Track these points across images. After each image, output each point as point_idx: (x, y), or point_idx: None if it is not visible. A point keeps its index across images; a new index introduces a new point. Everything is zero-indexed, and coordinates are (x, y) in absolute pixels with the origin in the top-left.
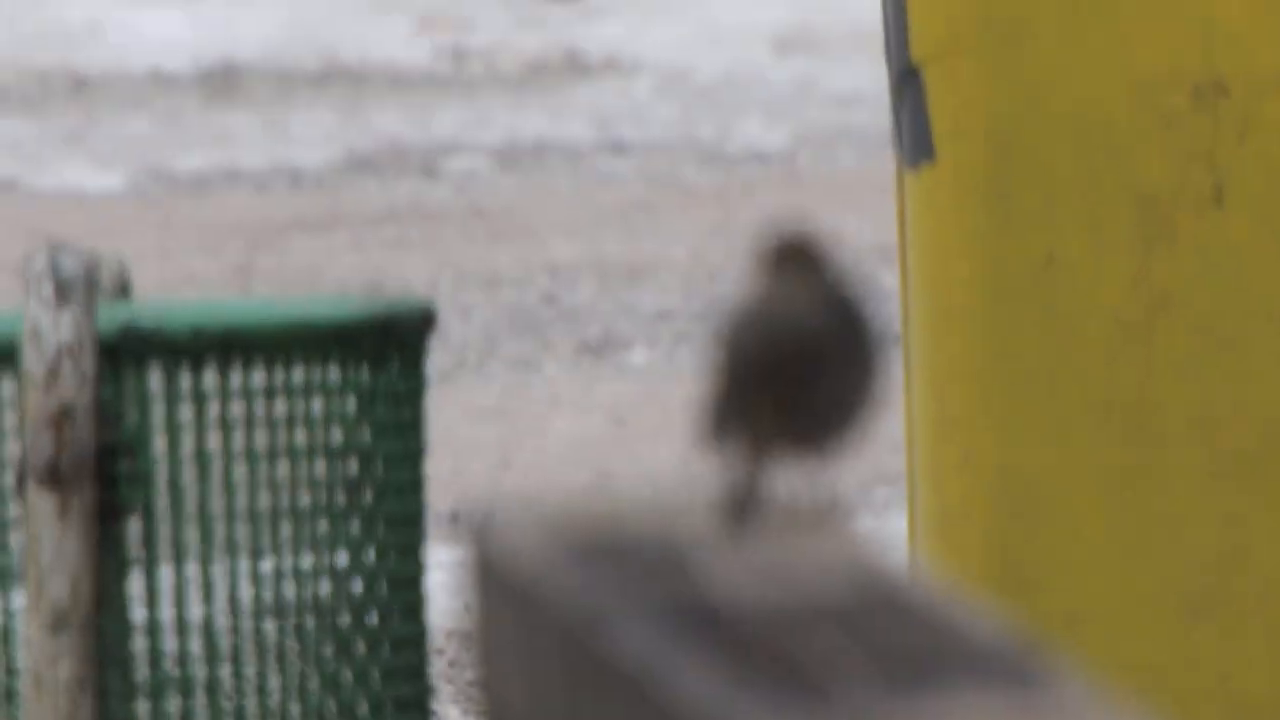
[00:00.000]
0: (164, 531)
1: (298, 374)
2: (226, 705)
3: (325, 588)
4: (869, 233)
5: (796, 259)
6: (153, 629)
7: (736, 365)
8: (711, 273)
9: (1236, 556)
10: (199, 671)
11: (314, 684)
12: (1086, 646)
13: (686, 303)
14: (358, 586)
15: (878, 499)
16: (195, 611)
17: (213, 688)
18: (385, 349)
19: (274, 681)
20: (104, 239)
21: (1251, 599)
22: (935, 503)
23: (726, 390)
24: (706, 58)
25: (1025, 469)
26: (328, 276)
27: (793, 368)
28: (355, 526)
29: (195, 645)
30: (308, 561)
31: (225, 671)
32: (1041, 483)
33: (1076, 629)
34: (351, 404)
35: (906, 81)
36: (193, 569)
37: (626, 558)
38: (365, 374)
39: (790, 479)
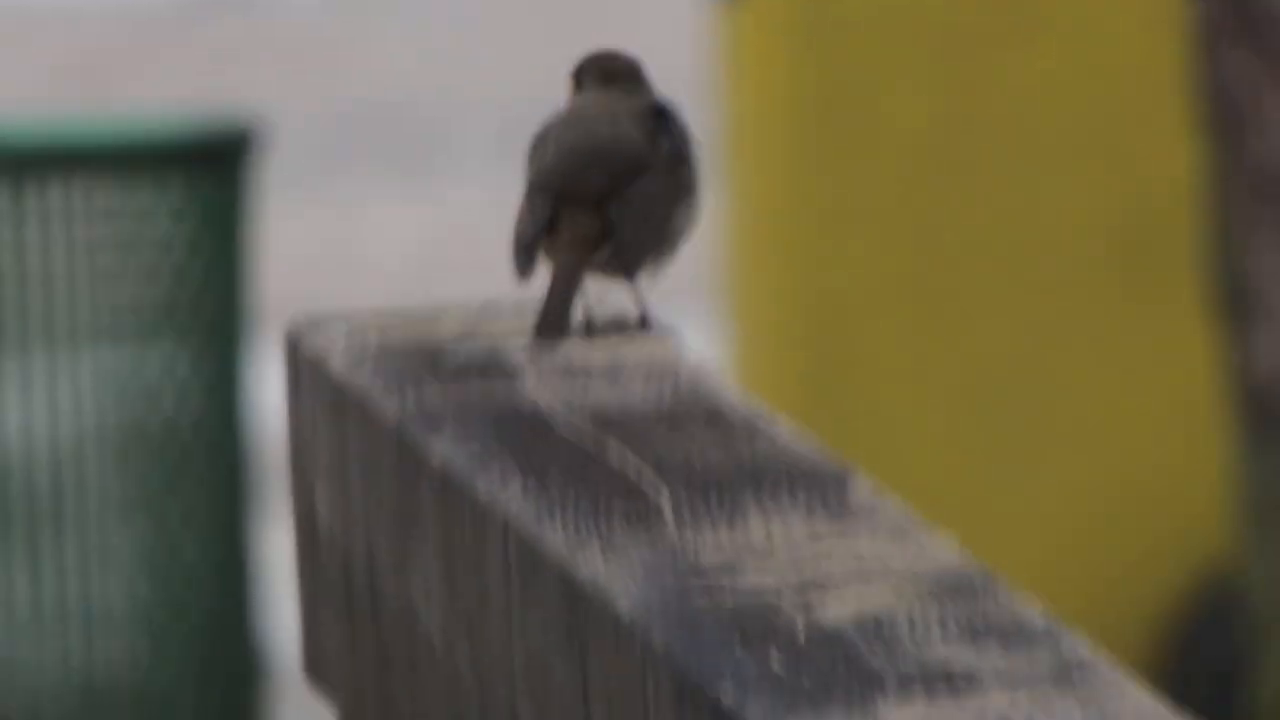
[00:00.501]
0: (7, 342)
1: (129, 189)
2: (45, 507)
3: (144, 399)
4: (678, 65)
5: (609, 77)
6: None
7: (545, 175)
8: (520, 92)
9: (1028, 375)
10: (42, 482)
11: (151, 494)
12: (884, 456)
13: (509, 132)
14: (177, 396)
15: (689, 314)
16: (41, 423)
17: (57, 500)
18: (211, 164)
19: (93, 487)
20: None
21: (1042, 412)
22: (746, 313)
23: (538, 202)
24: None
25: (833, 274)
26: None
27: (598, 174)
28: (174, 340)
29: (39, 460)
30: (132, 376)
31: (68, 484)
32: (849, 289)
33: (875, 438)
34: (169, 222)
35: None
36: (36, 378)
37: (441, 361)
38: (182, 192)
39: (603, 291)
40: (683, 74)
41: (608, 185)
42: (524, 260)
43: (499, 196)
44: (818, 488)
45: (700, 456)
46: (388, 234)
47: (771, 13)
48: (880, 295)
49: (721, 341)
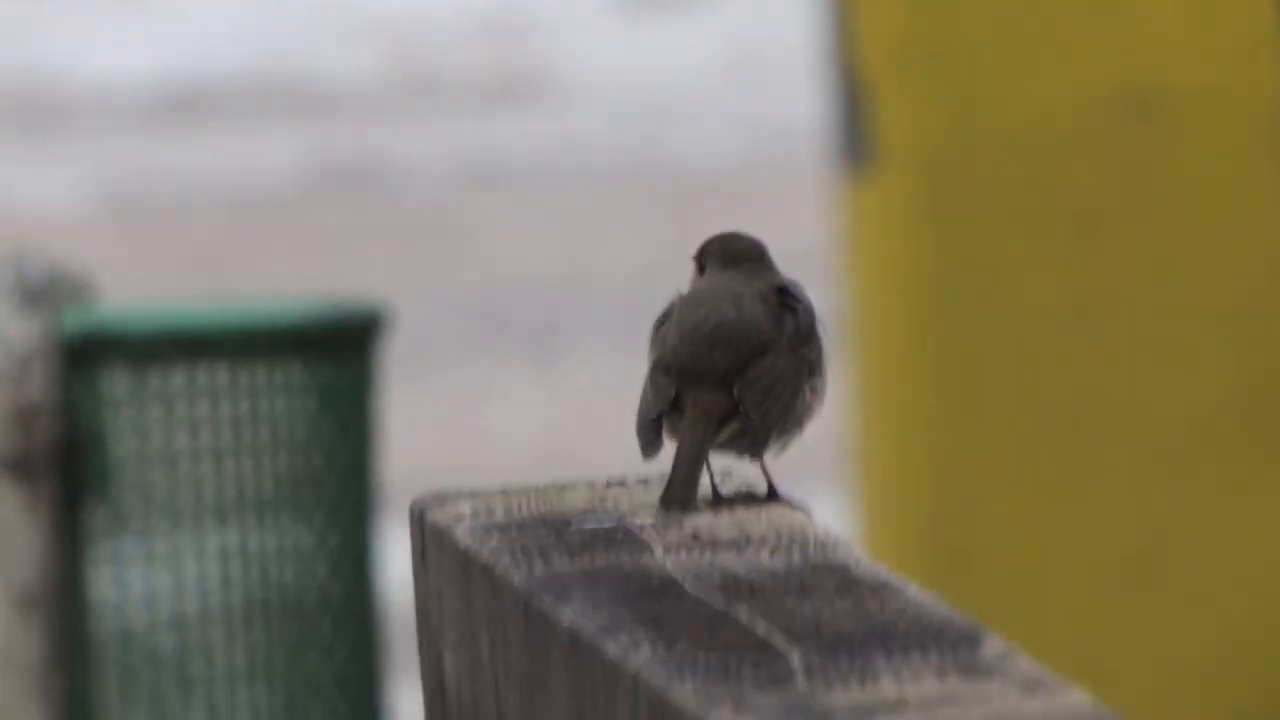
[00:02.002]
0: (132, 522)
1: (255, 373)
2: (195, 682)
3: (284, 570)
4: (802, 247)
5: (732, 258)
6: (122, 610)
7: (670, 354)
8: (647, 281)
9: (1162, 547)
10: (167, 650)
11: (276, 662)
12: (1019, 634)
13: (635, 313)
14: (315, 569)
15: (817, 491)
16: (165, 596)
17: (183, 667)
18: (337, 349)
19: (239, 658)
20: (75, 257)
21: (1178, 586)
22: (876, 497)
23: (663, 381)
24: (655, 80)
25: (964, 459)
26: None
27: (723, 354)
28: (312, 515)
29: (164, 627)
30: (270, 544)
31: (193, 650)
32: (981, 473)
33: (1010, 616)
34: (304, 402)
35: (852, 97)
36: (161, 553)
37: (568, 533)
38: (307, 376)
39: (730, 466)
40: (809, 254)
41: (733, 364)
42: (650, 437)
43: (623, 380)
44: (949, 646)
45: (830, 619)
46: (513, 418)
47: (895, 188)
48: (1009, 472)
49: (849, 519)
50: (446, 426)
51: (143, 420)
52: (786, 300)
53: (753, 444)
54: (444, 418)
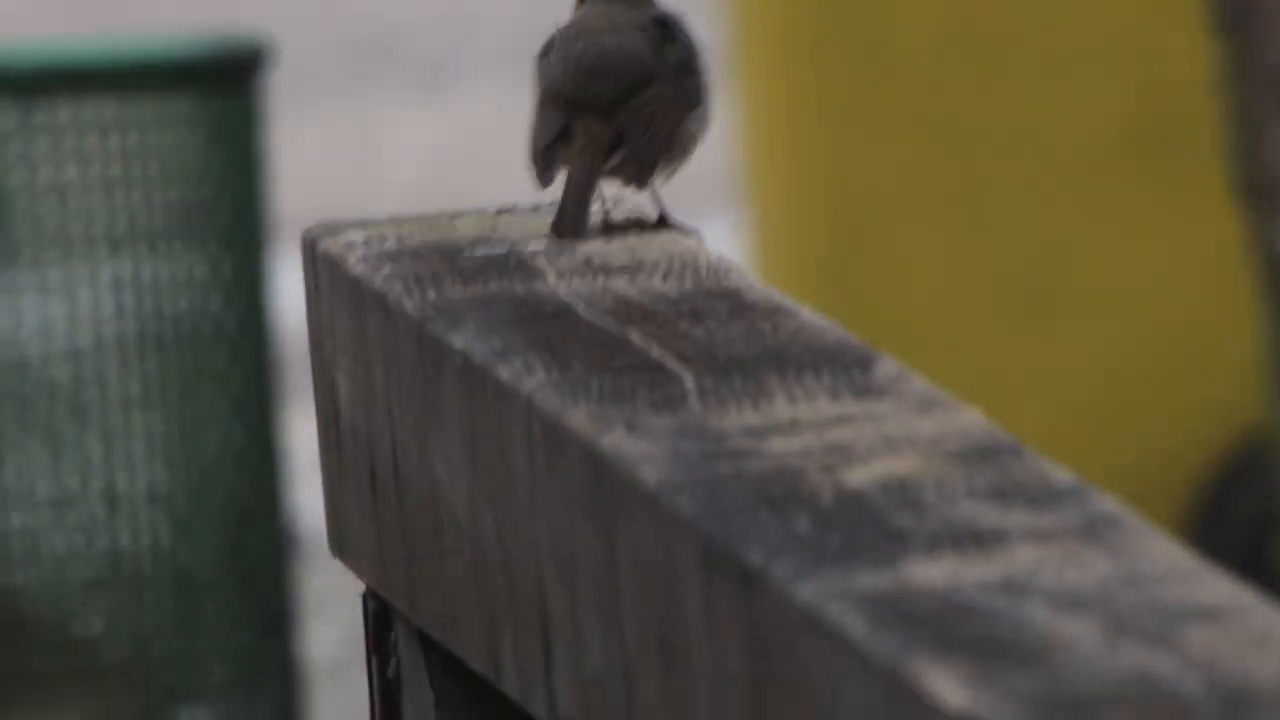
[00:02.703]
0: (23, 253)
1: (142, 106)
2: (90, 411)
3: (177, 300)
4: None
5: None
6: (15, 342)
7: (555, 86)
8: (546, 17)
9: (1055, 258)
10: (63, 379)
11: (170, 390)
12: (914, 348)
13: (522, 47)
14: (209, 298)
15: (711, 220)
16: (59, 326)
17: (77, 397)
18: (223, 81)
19: (134, 387)
20: None
21: (1071, 294)
22: (768, 225)
23: (551, 112)
24: None
25: (854, 181)
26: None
27: (606, 85)
28: (192, 247)
29: (59, 357)
30: (163, 275)
31: (88, 380)
32: (871, 197)
33: (904, 332)
34: (182, 136)
35: None
36: (54, 284)
37: (460, 261)
38: (194, 107)
39: (620, 194)
40: None
41: (616, 94)
42: (543, 166)
43: (510, 113)
44: (843, 368)
45: (724, 342)
46: (401, 150)
47: None
48: (900, 187)
49: (741, 243)
50: (336, 160)
51: (30, 154)
52: (668, 31)
53: (638, 171)
54: (333, 151)
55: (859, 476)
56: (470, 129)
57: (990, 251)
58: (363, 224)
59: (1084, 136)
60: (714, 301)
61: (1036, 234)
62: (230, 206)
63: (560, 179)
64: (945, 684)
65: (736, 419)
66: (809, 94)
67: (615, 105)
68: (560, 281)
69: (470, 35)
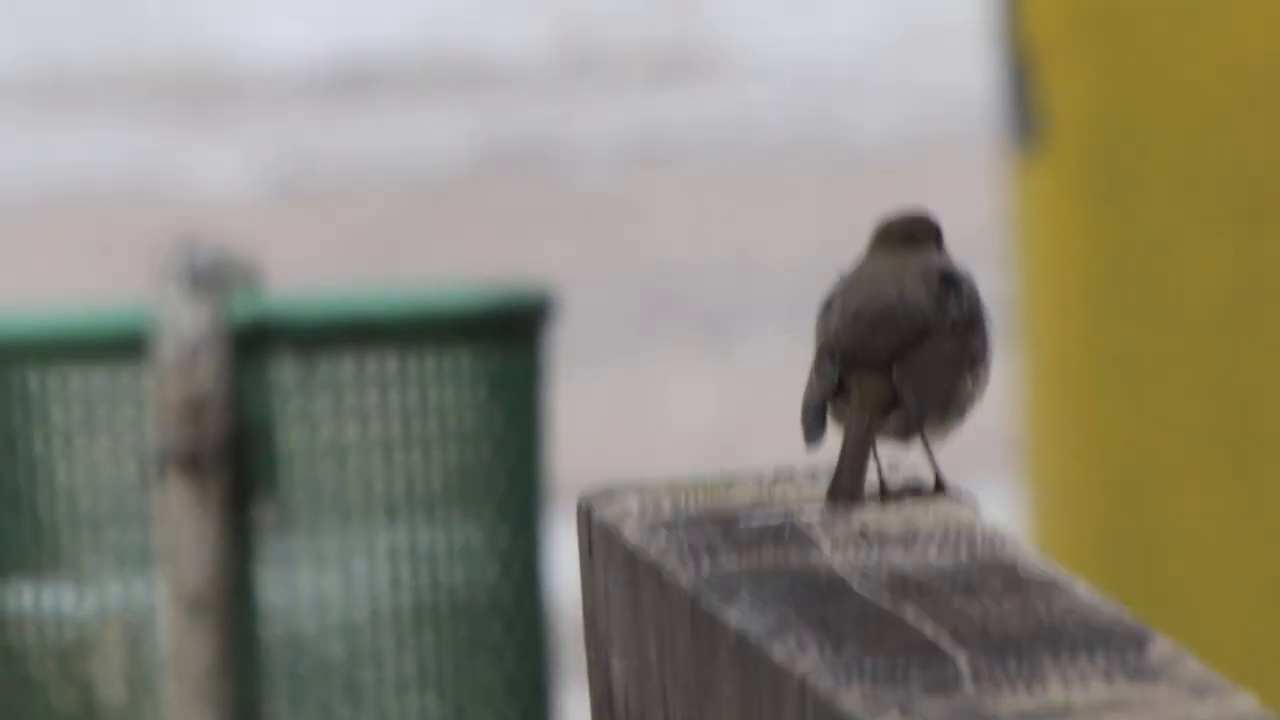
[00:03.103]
0: (300, 518)
1: (424, 361)
2: (364, 690)
3: (454, 571)
4: (976, 224)
5: (897, 238)
6: (290, 614)
7: (831, 339)
8: (817, 263)
9: None
10: (337, 655)
11: (445, 668)
12: (1189, 628)
13: (807, 297)
14: (485, 569)
15: (986, 485)
16: (334, 599)
17: (352, 674)
18: (507, 335)
19: (409, 664)
20: (244, 241)
21: None
22: (1050, 484)
23: (826, 366)
24: (825, 52)
25: (1132, 447)
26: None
27: (884, 338)
28: (482, 512)
29: (333, 632)
30: (439, 543)
31: (363, 656)
32: (1151, 462)
33: (1180, 610)
34: (474, 390)
35: (1017, 72)
36: (329, 553)
37: (735, 529)
38: (475, 363)
39: (897, 456)
40: (983, 234)
41: (895, 348)
42: (813, 425)
43: (796, 366)
44: (1117, 648)
45: (998, 619)
46: (685, 406)
47: (1065, 167)
48: (1184, 457)
49: (1019, 508)
50: (618, 415)
51: (311, 411)
52: (952, 284)
53: (907, 429)
54: (616, 406)
55: None
56: (758, 383)
57: (1272, 532)
58: (639, 489)
59: None
60: (989, 575)
61: None
62: (508, 469)
63: (832, 437)
64: None
65: (1011, 703)
66: (1087, 358)
67: (892, 360)
68: (835, 553)
69: (759, 282)
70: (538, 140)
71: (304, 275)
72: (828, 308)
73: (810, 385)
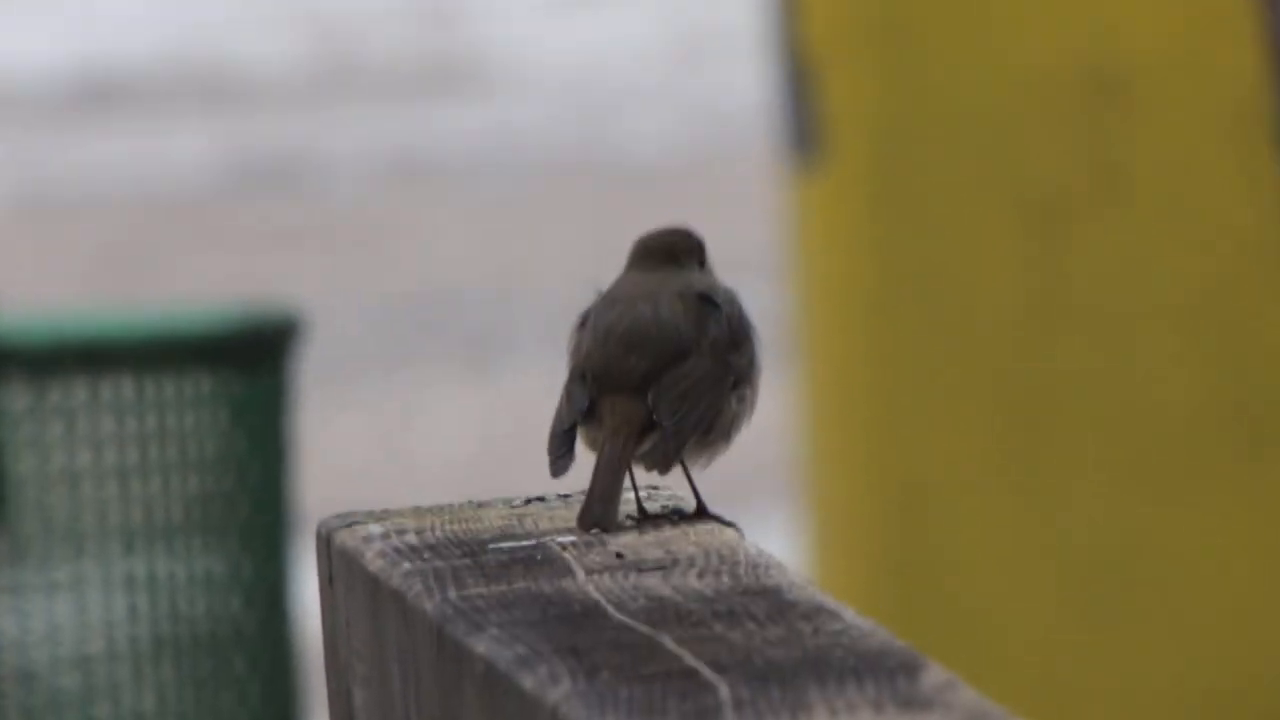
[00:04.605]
0: (32, 548)
1: (163, 386)
2: (73, 716)
3: (195, 601)
4: (755, 240)
5: (654, 255)
6: (22, 647)
7: (583, 361)
8: (588, 280)
9: (1132, 558)
10: (71, 689)
11: (186, 702)
12: (981, 649)
13: (563, 315)
14: (228, 600)
15: (761, 508)
16: (68, 631)
17: (86, 707)
18: (251, 358)
19: (147, 698)
20: None
21: (1149, 598)
22: (832, 509)
23: (577, 390)
24: (595, 65)
25: (917, 467)
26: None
27: (640, 359)
28: (223, 538)
29: (67, 665)
30: (180, 573)
31: (99, 690)
32: (935, 482)
33: (972, 631)
34: (215, 416)
35: (796, 82)
36: (63, 583)
37: (484, 552)
38: (218, 388)
39: (657, 481)
40: (761, 251)
41: (649, 369)
42: (560, 452)
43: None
44: (887, 675)
45: (762, 647)
46: (445, 432)
47: (843, 178)
48: (975, 478)
49: (796, 537)
50: (373, 443)
51: (43, 437)
52: (712, 302)
53: (664, 455)
54: (370, 433)
55: None
56: (522, 408)
57: (1062, 549)
58: (382, 516)
59: (1160, 414)
60: (752, 601)
61: (1116, 530)
62: (252, 497)
63: (587, 463)
64: None
65: None
66: (877, 373)
67: (647, 381)
68: (589, 579)
69: (524, 303)
70: (291, 156)
71: (43, 297)
72: (581, 327)
73: (560, 409)
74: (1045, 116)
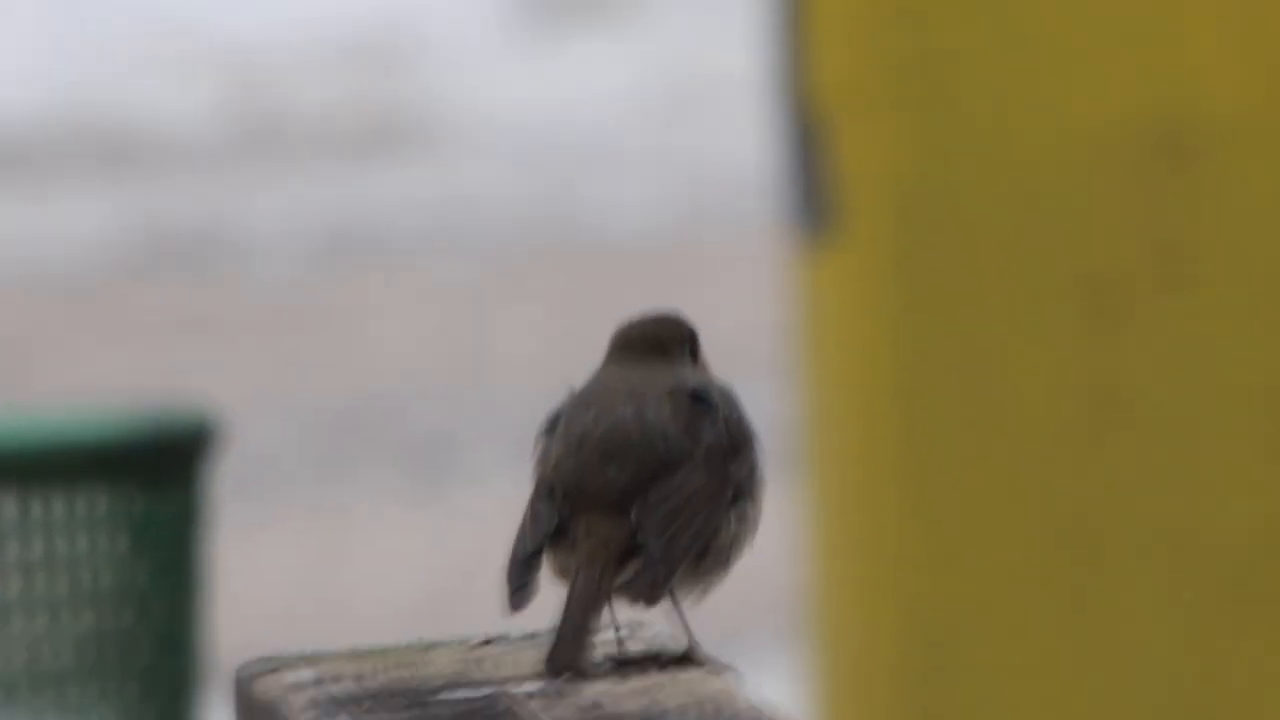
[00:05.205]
0: None
1: (50, 504)
2: None
3: None
4: (752, 328)
5: (637, 346)
6: None
7: (552, 472)
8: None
9: (1199, 712)
10: None
11: None
12: None
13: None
14: None
15: (751, 641)
16: None
17: None
18: (156, 472)
19: None
20: None
21: None
22: (836, 644)
23: (544, 507)
24: (566, 119)
25: (950, 601)
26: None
27: (618, 470)
28: (120, 687)
29: None
30: None
31: None
32: (971, 619)
33: None
34: (113, 540)
35: (806, 140)
36: None
37: (433, 702)
38: (130, 503)
39: (631, 615)
40: (760, 339)
41: (632, 483)
42: (518, 582)
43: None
44: None
45: None
46: (388, 559)
47: (861, 254)
48: (1009, 624)
49: (803, 685)
50: (300, 573)
51: None
52: (706, 402)
53: (650, 585)
54: (297, 561)
55: None
56: (480, 531)
57: (1125, 705)
58: (312, 659)
59: (1239, 539)
60: None
61: (1190, 681)
62: (156, 639)
63: (552, 598)
64: None
65: None
66: (900, 487)
67: (629, 497)
68: None
69: (482, 404)
70: (205, 229)
71: None
72: (549, 433)
73: (522, 531)
74: (1101, 183)
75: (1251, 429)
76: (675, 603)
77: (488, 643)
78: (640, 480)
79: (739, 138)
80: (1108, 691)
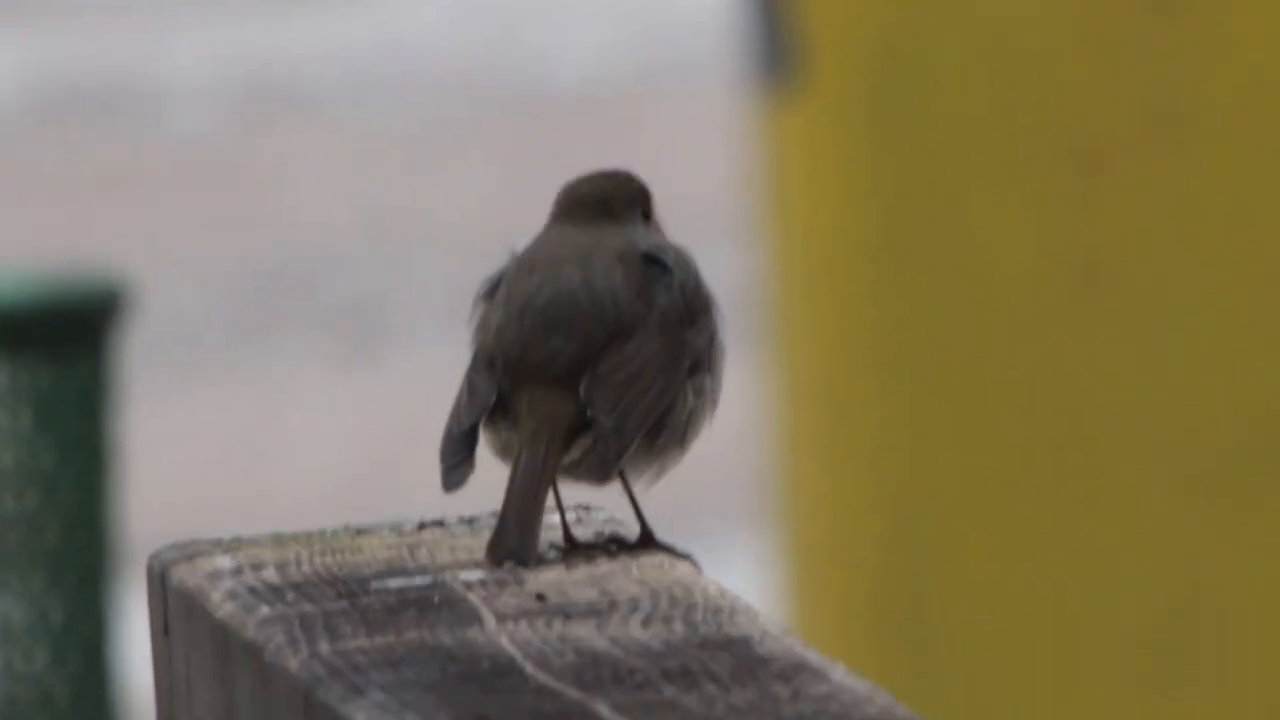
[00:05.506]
0: None
1: None
2: None
3: None
4: (710, 185)
5: (596, 207)
6: None
7: (493, 342)
8: (502, 236)
9: (1196, 600)
10: None
11: None
12: (999, 715)
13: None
14: (31, 654)
15: (710, 527)
16: None
17: None
18: (62, 341)
19: None
20: None
21: (1217, 653)
22: (805, 532)
23: (483, 380)
24: None
25: (929, 482)
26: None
27: (567, 340)
28: (24, 576)
29: None
30: None
31: None
32: (950, 498)
33: (987, 693)
34: (15, 415)
35: None
36: None
37: (366, 593)
38: (34, 376)
39: (580, 498)
40: (717, 197)
41: (580, 353)
42: (453, 459)
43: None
44: None
45: (726, 715)
46: (313, 431)
47: (828, 108)
48: (986, 502)
49: (769, 569)
50: (220, 450)
51: None
52: (659, 264)
53: (601, 464)
54: (216, 437)
55: None
56: (413, 401)
57: (1103, 591)
58: (232, 545)
59: (1237, 419)
60: (713, 655)
61: (1166, 556)
62: (64, 523)
63: (494, 477)
64: None
65: None
66: (870, 356)
67: (578, 370)
68: (502, 628)
69: (415, 264)
70: (116, 79)
71: None
72: (488, 297)
73: (458, 404)
74: (1087, 34)
75: (1237, 308)
76: (627, 485)
77: (424, 528)
78: (588, 350)
79: None
80: (1091, 577)
